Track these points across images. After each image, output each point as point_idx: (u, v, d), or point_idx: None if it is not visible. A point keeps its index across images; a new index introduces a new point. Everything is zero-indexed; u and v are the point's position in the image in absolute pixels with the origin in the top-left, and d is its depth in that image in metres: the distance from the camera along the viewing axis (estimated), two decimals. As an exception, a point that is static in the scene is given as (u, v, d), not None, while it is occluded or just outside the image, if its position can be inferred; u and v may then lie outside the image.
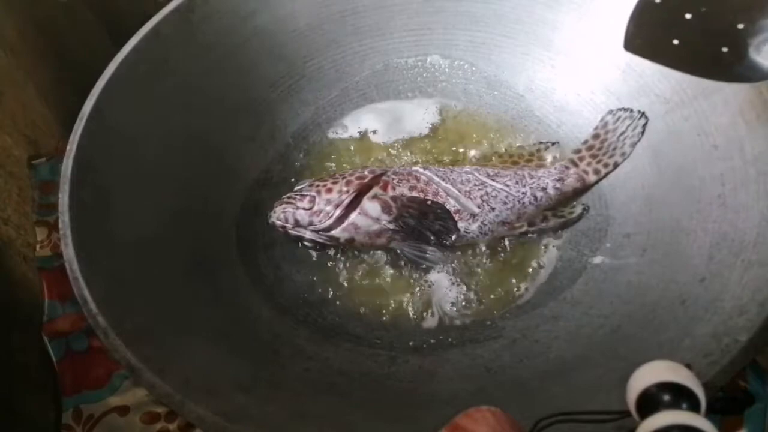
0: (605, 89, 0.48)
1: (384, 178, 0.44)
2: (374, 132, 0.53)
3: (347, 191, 0.43)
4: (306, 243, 0.44)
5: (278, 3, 0.49)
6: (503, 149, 0.51)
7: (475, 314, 0.43)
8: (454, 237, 0.43)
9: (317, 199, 0.44)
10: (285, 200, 0.45)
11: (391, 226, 0.43)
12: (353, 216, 0.43)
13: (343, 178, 0.45)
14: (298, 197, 0.44)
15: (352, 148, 0.52)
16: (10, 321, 0.44)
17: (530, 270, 0.45)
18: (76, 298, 0.33)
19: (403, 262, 0.45)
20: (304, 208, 0.43)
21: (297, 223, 0.43)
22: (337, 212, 0.43)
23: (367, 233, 0.43)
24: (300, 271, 0.46)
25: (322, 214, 0.43)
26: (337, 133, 0.53)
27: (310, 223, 0.43)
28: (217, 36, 0.47)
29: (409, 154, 0.52)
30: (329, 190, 0.44)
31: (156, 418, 0.42)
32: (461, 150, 0.51)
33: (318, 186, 0.45)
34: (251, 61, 0.49)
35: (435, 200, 0.43)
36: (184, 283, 0.39)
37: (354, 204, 0.43)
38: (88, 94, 0.40)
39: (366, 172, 0.45)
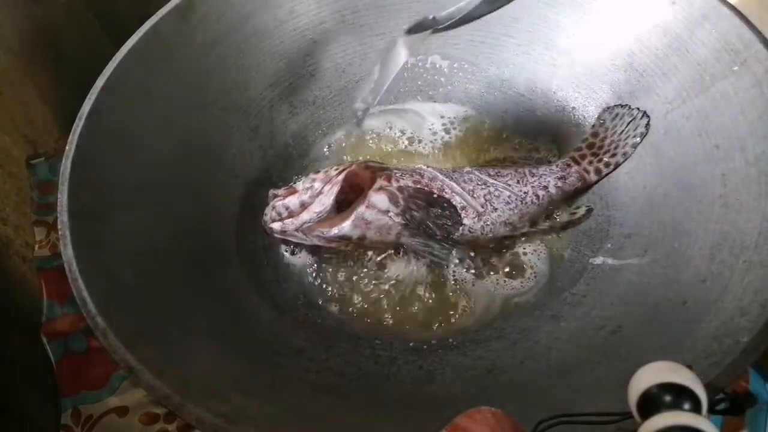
0: (607, 89, 0.48)
1: (387, 171, 0.44)
2: (375, 133, 0.53)
3: (337, 170, 0.42)
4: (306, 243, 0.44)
5: (277, 2, 0.49)
6: (503, 156, 0.50)
7: (476, 315, 0.43)
8: (459, 233, 0.43)
9: (302, 180, 0.43)
10: (270, 198, 0.45)
11: (399, 220, 0.42)
12: (361, 210, 0.42)
13: (336, 165, 0.44)
14: (280, 191, 0.44)
15: (351, 149, 0.52)
16: (8, 321, 0.44)
17: (531, 270, 0.45)
18: (75, 298, 0.33)
19: (405, 262, 0.45)
20: (288, 195, 0.43)
21: (291, 213, 0.42)
22: (329, 188, 0.41)
23: (378, 229, 0.42)
24: (300, 272, 0.46)
25: (309, 191, 0.42)
26: (337, 133, 0.53)
27: (302, 204, 0.42)
28: (216, 35, 0.47)
29: (410, 155, 0.52)
30: (316, 172, 0.44)
31: (155, 418, 0.42)
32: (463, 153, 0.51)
33: (309, 175, 0.44)
34: (250, 61, 0.49)
35: (441, 195, 0.43)
36: (184, 284, 0.39)
37: (360, 199, 0.43)
38: (87, 94, 0.40)
39: (362, 160, 0.45)
